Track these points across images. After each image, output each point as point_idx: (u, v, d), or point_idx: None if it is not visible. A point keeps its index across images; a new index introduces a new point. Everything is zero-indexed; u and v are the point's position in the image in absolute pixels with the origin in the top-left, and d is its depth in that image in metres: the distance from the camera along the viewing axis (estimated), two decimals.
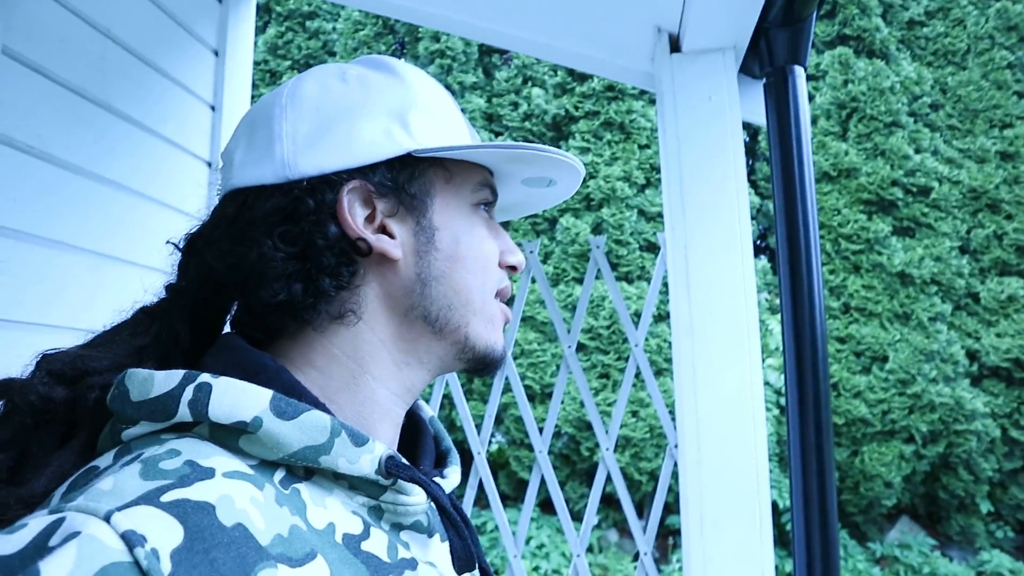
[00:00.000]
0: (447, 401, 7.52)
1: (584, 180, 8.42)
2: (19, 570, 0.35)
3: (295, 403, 0.52)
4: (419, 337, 0.62)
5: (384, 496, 0.55)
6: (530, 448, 7.28)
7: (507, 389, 7.54)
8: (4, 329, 1.12)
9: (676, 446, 1.62)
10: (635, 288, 7.31)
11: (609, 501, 7.37)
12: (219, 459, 0.48)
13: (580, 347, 7.35)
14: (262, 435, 0.50)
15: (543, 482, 1.65)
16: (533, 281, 7.49)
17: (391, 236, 0.61)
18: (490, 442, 7.79)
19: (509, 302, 0.71)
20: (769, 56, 1.53)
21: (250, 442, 0.50)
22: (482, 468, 1.66)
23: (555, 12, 1.73)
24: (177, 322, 0.60)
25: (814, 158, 7.41)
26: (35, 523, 0.38)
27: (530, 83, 8.49)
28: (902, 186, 7.29)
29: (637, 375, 7.04)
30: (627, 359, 6.77)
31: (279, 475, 0.51)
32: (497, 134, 8.52)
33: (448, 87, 7.38)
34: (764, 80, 1.57)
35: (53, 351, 0.56)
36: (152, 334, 0.59)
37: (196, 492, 0.43)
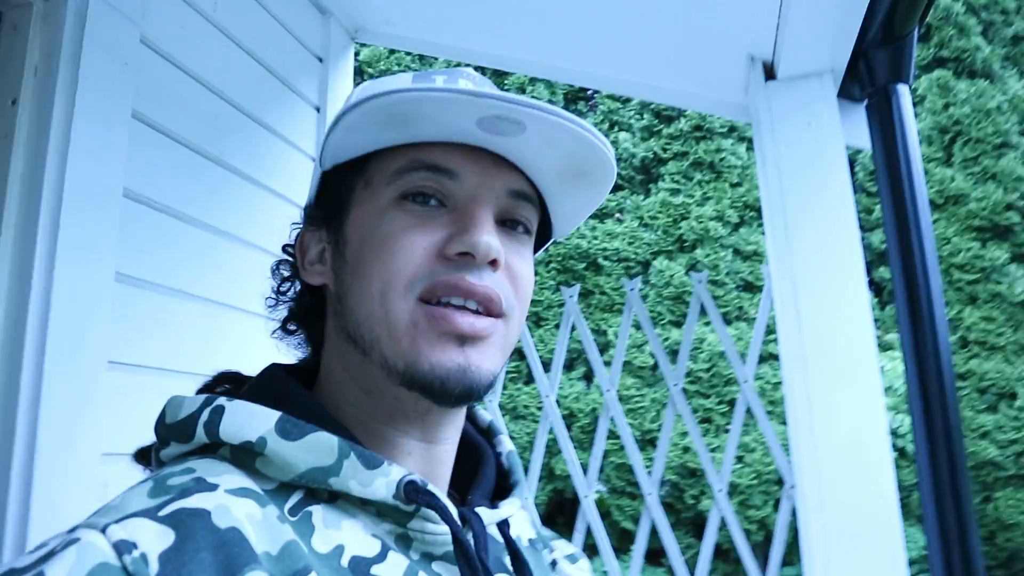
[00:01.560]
0: (547, 449, 7.43)
1: (676, 221, 8.25)
2: (27, 572, 0.39)
3: (301, 424, 0.51)
4: (359, 362, 0.57)
5: (411, 523, 0.53)
6: (632, 496, 7.08)
7: (610, 436, 7.40)
8: (129, 373, 1.18)
9: (793, 487, 1.54)
10: (734, 329, 7.10)
11: (716, 552, 7.05)
12: (229, 477, 0.49)
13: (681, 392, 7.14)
14: (270, 455, 0.50)
15: (655, 533, 1.59)
16: (636, 327, 7.39)
17: (325, 263, 0.62)
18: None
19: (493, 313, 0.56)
20: (870, 77, 1.48)
21: (264, 463, 0.51)
22: (590, 512, 1.61)
23: (644, 49, 1.73)
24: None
25: None
26: (54, 541, 0.42)
27: (616, 128, 8.52)
28: (1018, 210, 6.85)
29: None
30: (729, 403, 6.54)
31: (295, 498, 0.51)
32: None
33: None
34: (865, 102, 1.52)
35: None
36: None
37: (193, 501, 0.45)
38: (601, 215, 8.25)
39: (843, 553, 1.27)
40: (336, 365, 0.60)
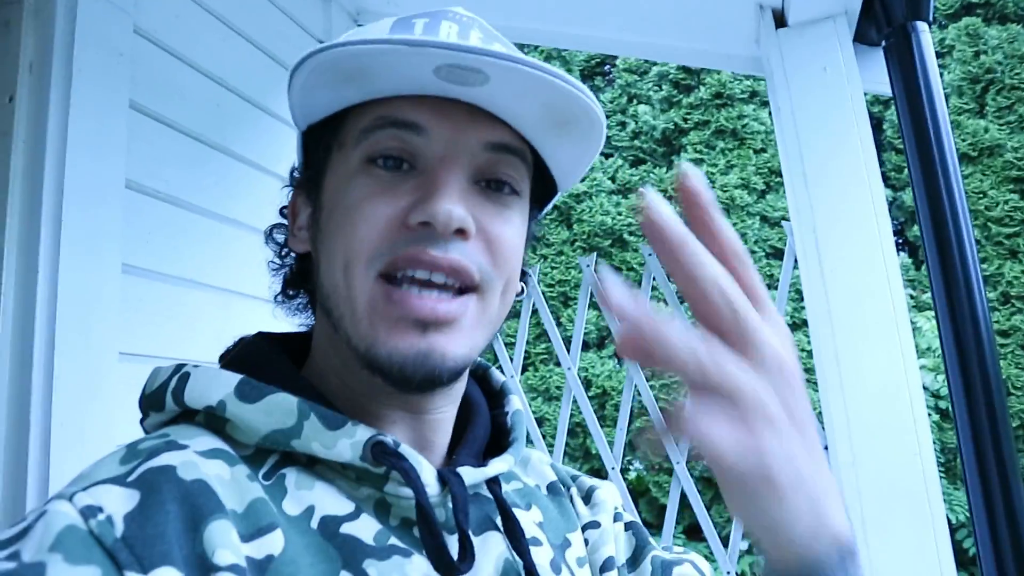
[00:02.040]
0: (582, 429, 7.43)
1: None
2: (3, 549, 0.40)
3: (261, 386, 0.50)
4: (334, 336, 0.55)
5: (387, 487, 0.51)
6: (670, 472, 7.04)
7: (643, 412, 7.37)
8: (140, 364, 1.18)
9: (826, 448, 1.49)
10: None
11: None
12: (201, 439, 0.49)
13: None
14: (231, 418, 0.50)
15: (691, 508, 1.55)
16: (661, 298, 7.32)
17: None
18: (628, 469, 7.60)
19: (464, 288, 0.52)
20: (886, 16, 1.41)
21: (233, 428, 0.50)
22: (618, 484, 1.59)
23: (654, 9, 1.68)
24: None
25: None
26: (31, 515, 0.43)
27: (635, 101, 8.40)
28: None
29: None
30: None
31: (271, 462, 0.51)
32: (607, 156, 8.47)
33: None
34: (883, 44, 1.45)
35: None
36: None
37: (159, 460, 0.45)
38: (624, 190, 8.16)
39: (878, 511, 1.22)
40: (320, 334, 0.60)
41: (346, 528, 0.49)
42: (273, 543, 0.45)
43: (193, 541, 0.42)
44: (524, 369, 7.86)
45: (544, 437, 2.06)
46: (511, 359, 1.93)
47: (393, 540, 0.50)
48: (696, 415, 0.35)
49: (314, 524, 0.48)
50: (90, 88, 1.18)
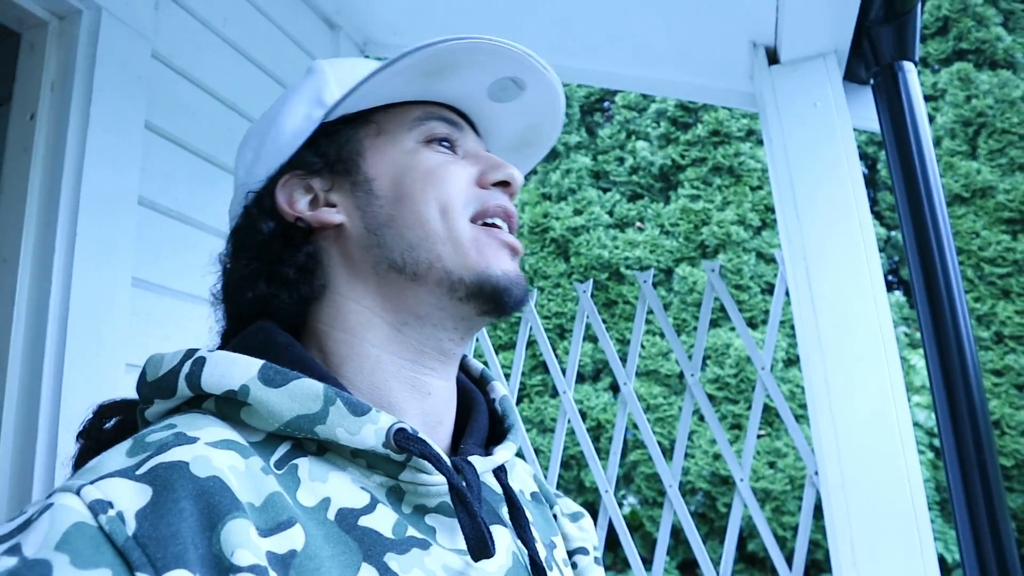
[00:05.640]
0: (576, 461, 7.39)
1: (696, 227, 8.22)
2: (5, 547, 0.38)
3: (285, 371, 0.51)
4: (401, 291, 0.59)
5: (403, 475, 0.52)
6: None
7: (637, 446, 7.34)
8: None
9: (816, 472, 1.51)
10: (759, 333, 7.02)
11: (752, 560, 6.93)
12: (211, 430, 0.48)
13: (708, 398, 7.07)
14: (254, 404, 0.49)
15: (687, 544, 1.56)
16: (660, 335, 7.35)
17: (333, 206, 0.62)
18: (621, 504, 7.56)
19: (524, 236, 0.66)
20: (874, 55, 1.47)
21: (250, 413, 0.50)
22: (611, 507, 1.60)
23: (649, 43, 1.74)
24: None
25: (942, 180, 6.98)
26: (32, 508, 0.41)
27: (633, 137, 8.52)
28: None
29: (770, 412, 6.69)
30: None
31: (282, 450, 0.51)
32: (605, 190, 8.56)
33: (552, 149, 7.51)
34: (872, 82, 1.51)
35: None
36: None
37: (170, 455, 0.44)
38: (622, 224, 8.24)
39: (867, 533, 1.25)
40: (355, 307, 0.60)
41: (364, 521, 0.49)
42: (294, 538, 0.45)
43: (210, 541, 0.41)
44: (519, 401, 7.85)
45: (542, 469, 2.07)
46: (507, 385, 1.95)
47: (411, 531, 0.51)
48: None
49: (331, 515, 0.49)
50: (108, 108, 1.23)
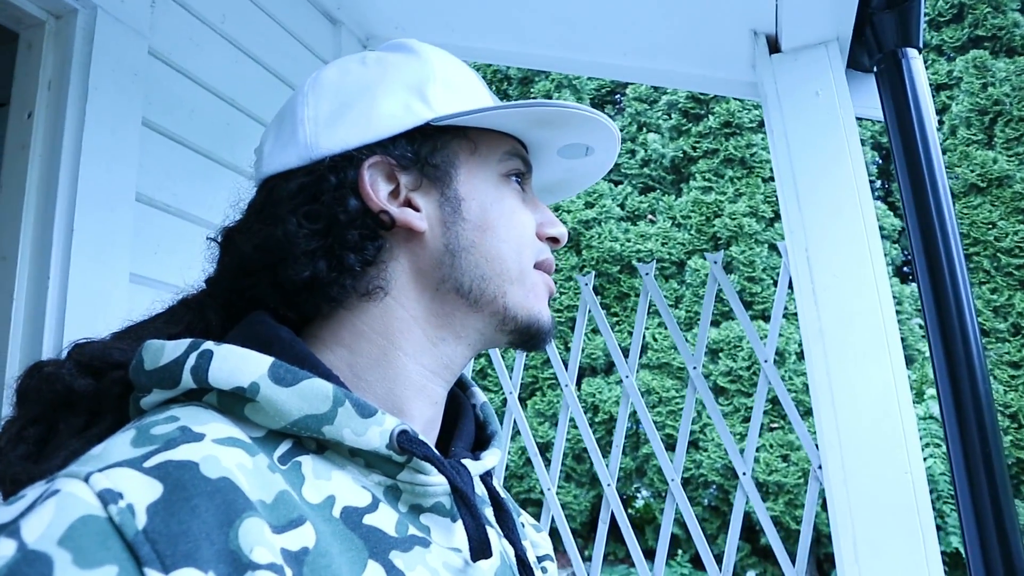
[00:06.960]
0: (587, 455, 7.38)
1: (708, 219, 8.18)
2: (3, 531, 0.36)
3: (295, 370, 0.50)
4: (454, 311, 0.60)
5: (401, 475, 0.53)
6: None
7: (647, 440, 7.33)
8: None
9: (820, 467, 1.50)
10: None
11: (766, 554, 6.91)
12: (215, 426, 0.47)
13: (720, 391, 7.06)
14: (262, 402, 0.49)
15: (670, 518, 1.56)
16: (662, 326, 7.32)
17: (416, 209, 0.60)
18: (635, 497, 7.55)
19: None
20: (877, 43, 1.45)
21: (255, 410, 0.49)
22: (612, 499, 1.60)
23: (652, 34, 1.73)
24: (209, 311, 0.61)
25: (958, 169, 6.89)
26: (32, 492, 0.39)
27: (645, 129, 8.48)
28: None
29: (775, 403, 6.64)
30: (772, 400, 6.42)
31: (284, 447, 0.50)
32: (616, 183, 8.53)
33: None
34: (875, 70, 1.49)
35: (85, 340, 0.57)
36: (184, 323, 0.60)
37: (179, 453, 0.42)
38: (633, 217, 8.21)
39: (869, 526, 1.23)
40: (401, 314, 0.59)
41: (368, 520, 0.50)
42: (306, 535, 0.45)
43: (227, 537, 0.40)
44: (531, 394, 7.85)
45: (550, 463, 2.07)
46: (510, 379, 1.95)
47: (412, 530, 0.51)
48: None
49: (336, 513, 0.49)
50: (105, 105, 1.23)
